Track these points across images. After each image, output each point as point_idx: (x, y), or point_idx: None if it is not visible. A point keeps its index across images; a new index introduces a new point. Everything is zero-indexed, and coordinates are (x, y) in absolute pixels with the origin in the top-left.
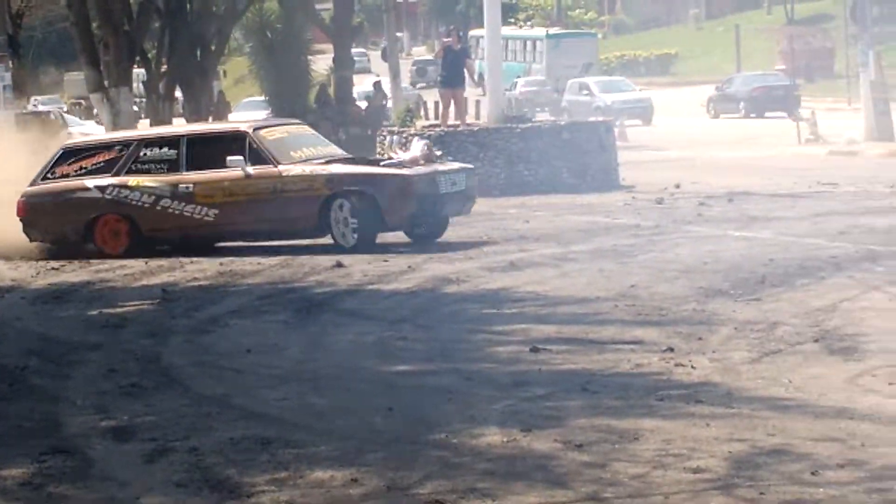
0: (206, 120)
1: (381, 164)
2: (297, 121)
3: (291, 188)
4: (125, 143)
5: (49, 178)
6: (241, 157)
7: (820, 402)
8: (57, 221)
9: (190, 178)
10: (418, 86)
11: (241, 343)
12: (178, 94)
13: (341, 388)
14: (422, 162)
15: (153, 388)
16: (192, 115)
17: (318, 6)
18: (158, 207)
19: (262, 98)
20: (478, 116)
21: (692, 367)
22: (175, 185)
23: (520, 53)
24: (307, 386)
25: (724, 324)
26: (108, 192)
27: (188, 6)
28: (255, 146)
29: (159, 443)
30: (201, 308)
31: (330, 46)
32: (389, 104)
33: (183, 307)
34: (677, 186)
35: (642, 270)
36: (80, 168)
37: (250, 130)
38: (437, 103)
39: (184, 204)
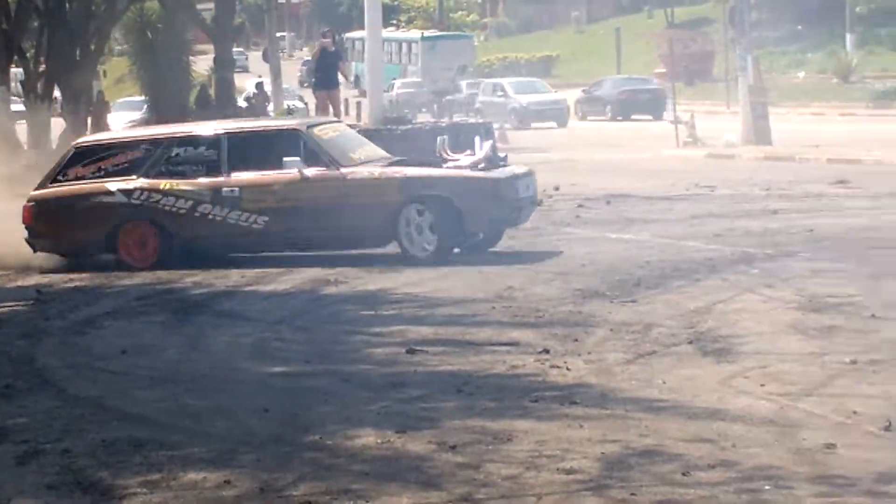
0: (85, 121)
1: (445, 165)
2: (336, 119)
3: (358, 193)
4: (153, 142)
5: (60, 181)
6: (298, 159)
7: (693, 403)
8: (72, 230)
9: (235, 181)
10: (305, 85)
11: (117, 344)
12: (57, 93)
13: (217, 390)
14: (482, 165)
15: (27, 390)
16: (70, 116)
17: (199, 6)
18: (196, 214)
19: (140, 98)
20: (359, 118)
21: (567, 368)
22: (217, 189)
23: (396, 55)
24: (183, 387)
25: (599, 325)
26: (135, 196)
27: (67, 5)
28: (311, 146)
29: (31, 444)
30: (76, 309)
31: (211, 47)
32: (271, 106)
33: (58, 308)
34: (556, 189)
35: (520, 272)
36: (99, 169)
37: (304, 128)
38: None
39: (227, 210)
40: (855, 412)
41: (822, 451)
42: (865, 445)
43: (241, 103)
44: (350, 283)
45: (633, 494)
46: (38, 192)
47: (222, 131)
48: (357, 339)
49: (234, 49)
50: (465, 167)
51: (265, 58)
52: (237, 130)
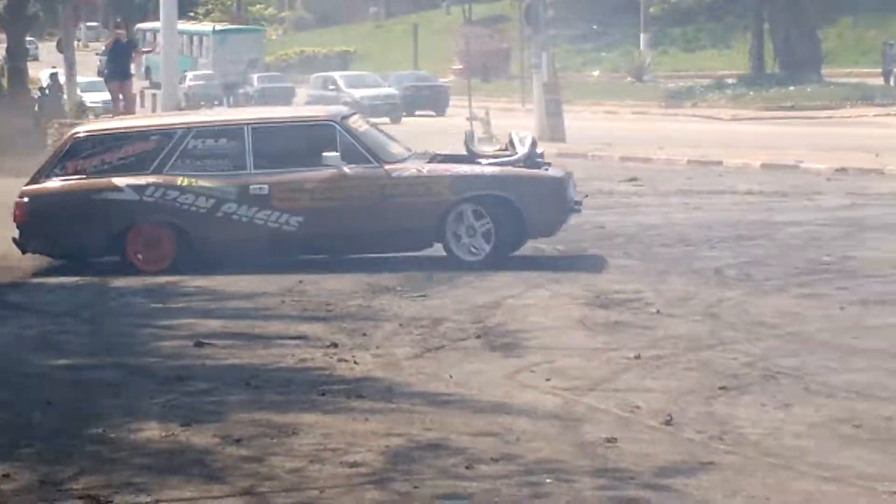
0: None
1: (486, 163)
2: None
3: (404, 192)
4: (166, 133)
5: (58, 175)
6: (338, 154)
7: (479, 397)
8: (72, 230)
9: (265, 177)
10: (101, 75)
11: None
12: None
13: None
14: (522, 163)
15: None
16: None
17: None
18: (219, 214)
19: None
20: (154, 109)
21: (355, 362)
22: (244, 187)
23: (187, 47)
24: None
25: (388, 320)
26: (147, 193)
27: None
28: (348, 140)
29: None
30: None
31: (3, 36)
32: (65, 96)
33: None
34: None
35: (311, 266)
36: (102, 163)
37: (338, 119)
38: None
39: (256, 209)
40: (637, 407)
41: (604, 444)
42: (646, 439)
43: (35, 93)
44: (138, 275)
45: (416, 487)
46: (32, 187)
47: (245, 120)
48: (144, 331)
49: (27, 38)
50: (507, 163)
51: (59, 48)
52: (262, 120)
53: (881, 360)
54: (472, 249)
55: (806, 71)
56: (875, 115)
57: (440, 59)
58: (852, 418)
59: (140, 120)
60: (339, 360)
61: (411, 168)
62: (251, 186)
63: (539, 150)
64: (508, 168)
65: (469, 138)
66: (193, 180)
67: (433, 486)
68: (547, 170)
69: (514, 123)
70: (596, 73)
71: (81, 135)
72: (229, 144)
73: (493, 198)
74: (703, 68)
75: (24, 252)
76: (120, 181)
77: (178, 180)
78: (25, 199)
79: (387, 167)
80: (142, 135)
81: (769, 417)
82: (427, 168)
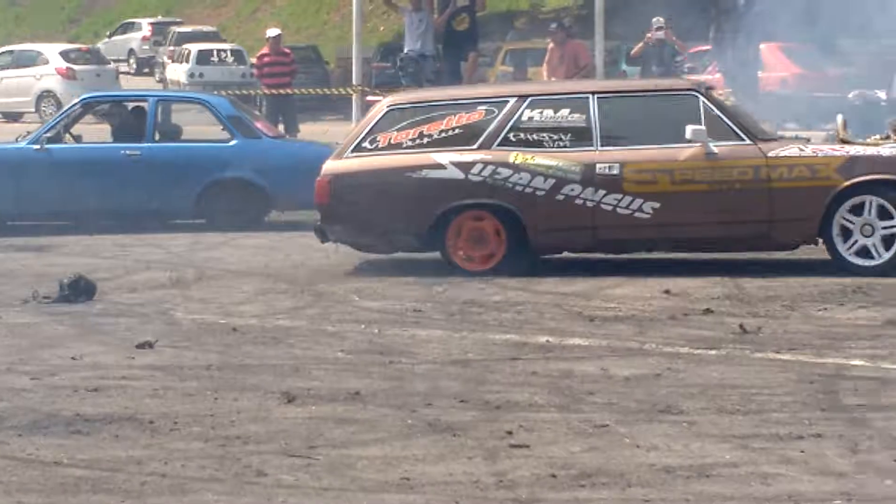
0: None
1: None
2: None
3: (786, 178)
4: (494, 101)
5: (366, 150)
6: (704, 129)
7: None
8: (382, 215)
9: (615, 154)
10: None
11: None
12: None
13: None
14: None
15: None
16: None
17: None
18: (559, 197)
19: None
20: None
21: None
22: (590, 165)
23: None
24: None
25: None
26: (473, 171)
27: None
28: (713, 113)
29: None
30: None
31: None
32: None
33: None
34: None
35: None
36: (420, 135)
37: (702, 90)
38: None
39: (603, 192)
40: None
41: None
42: None
43: None
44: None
45: None
46: (335, 164)
47: (590, 89)
48: None
49: None
50: None
51: None
52: (610, 89)
53: None
54: (875, 251)
55: None
56: None
57: None
58: None
59: (467, 90)
60: None
61: (792, 149)
62: (598, 165)
63: None
64: None
65: (841, 124)
66: (530, 157)
67: None
68: None
69: None
70: None
71: (396, 103)
72: (573, 116)
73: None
74: None
75: (322, 241)
76: (441, 157)
77: (512, 156)
78: (327, 178)
79: (761, 146)
80: (467, 103)
81: None
82: (811, 149)
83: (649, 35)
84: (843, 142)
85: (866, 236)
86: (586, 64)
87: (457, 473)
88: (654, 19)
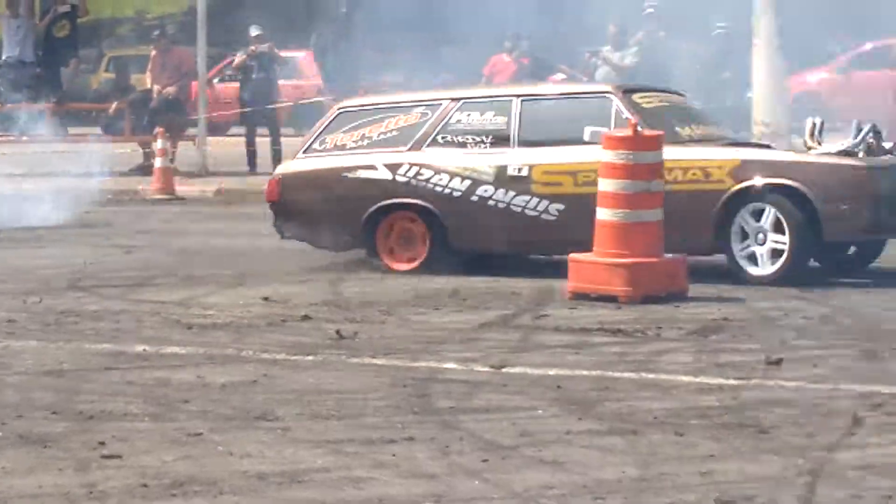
0: None
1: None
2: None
3: (678, 180)
4: (430, 104)
5: (316, 151)
6: (603, 130)
7: None
8: (321, 215)
9: (526, 156)
10: None
11: None
12: None
13: None
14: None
15: None
16: None
17: None
18: (474, 198)
19: None
20: None
21: None
22: (503, 167)
23: None
24: None
25: None
26: (400, 172)
27: None
28: (625, 116)
29: None
30: None
31: None
32: None
33: None
34: None
35: None
36: (363, 138)
37: (618, 93)
38: None
39: (512, 194)
40: None
41: None
42: None
43: None
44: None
45: None
46: (287, 164)
47: (513, 92)
48: None
49: None
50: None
51: None
52: (533, 93)
53: None
54: (771, 262)
55: None
56: None
57: None
58: None
59: (412, 95)
60: None
61: (688, 152)
62: (509, 167)
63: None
64: (807, 156)
65: (812, 128)
66: (448, 158)
67: None
68: None
69: None
70: None
71: (346, 107)
72: (496, 119)
73: (787, 191)
74: None
75: (281, 238)
76: (375, 159)
77: (433, 158)
78: (277, 178)
79: (668, 148)
80: (406, 106)
81: None
82: (704, 153)
83: (252, 48)
84: (810, 148)
85: (759, 244)
86: (188, 71)
87: (46, 486)
88: (252, 27)
